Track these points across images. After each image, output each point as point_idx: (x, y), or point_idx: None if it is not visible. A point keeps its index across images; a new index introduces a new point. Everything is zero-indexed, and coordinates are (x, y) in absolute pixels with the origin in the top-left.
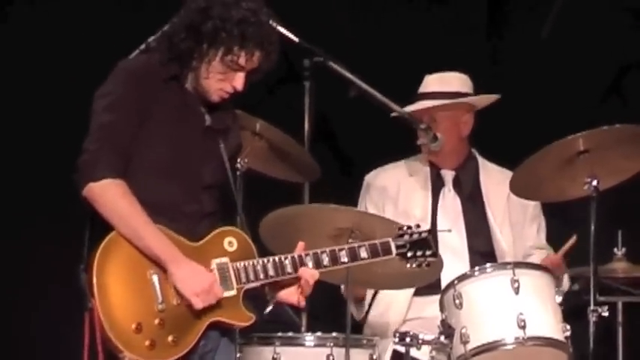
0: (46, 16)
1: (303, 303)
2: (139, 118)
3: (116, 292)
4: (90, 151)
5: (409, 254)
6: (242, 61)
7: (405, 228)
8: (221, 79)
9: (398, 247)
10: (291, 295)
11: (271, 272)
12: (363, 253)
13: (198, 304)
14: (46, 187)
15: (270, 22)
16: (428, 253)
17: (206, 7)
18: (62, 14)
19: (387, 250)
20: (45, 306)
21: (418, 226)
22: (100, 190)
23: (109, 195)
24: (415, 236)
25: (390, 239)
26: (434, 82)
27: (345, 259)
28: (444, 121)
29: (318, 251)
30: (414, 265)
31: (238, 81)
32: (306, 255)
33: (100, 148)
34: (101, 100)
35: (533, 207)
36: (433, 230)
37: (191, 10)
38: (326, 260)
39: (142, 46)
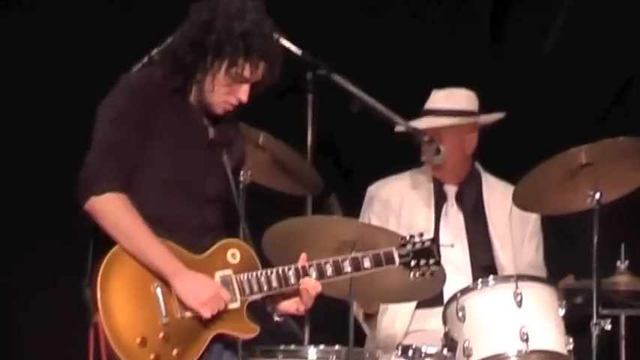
0: (48, 18)
1: (302, 310)
2: (141, 133)
3: (120, 307)
4: (92, 165)
5: (412, 263)
6: (247, 73)
7: (408, 237)
8: (226, 92)
9: (401, 256)
10: (290, 305)
11: (275, 284)
12: (367, 263)
13: (207, 312)
14: (52, 196)
15: (274, 33)
16: (431, 262)
17: (210, 20)
18: (63, 15)
19: (390, 260)
20: (49, 322)
21: (421, 234)
22: (102, 204)
23: (111, 209)
24: (418, 245)
25: (394, 248)
26: (441, 98)
27: (349, 269)
28: (449, 139)
29: (322, 262)
30: (417, 275)
31: (243, 93)
32: (310, 266)
33: (102, 162)
34: (104, 115)
35: (533, 223)
36: (436, 242)
37: (195, 24)
38: (329, 271)
39: (145, 59)
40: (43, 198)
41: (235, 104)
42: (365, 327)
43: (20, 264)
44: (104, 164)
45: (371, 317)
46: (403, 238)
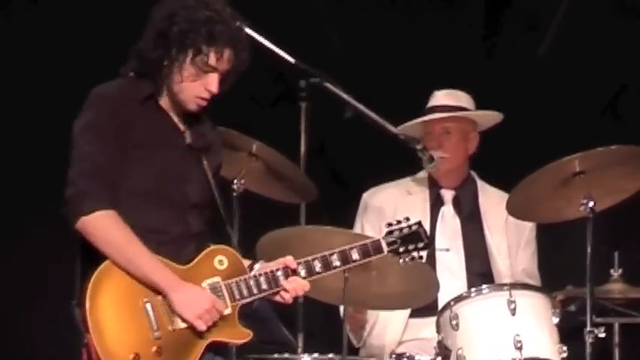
0: (48, 15)
1: (289, 299)
2: (119, 145)
3: (111, 325)
4: (76, 183)
5: (401, 249)
6: (212, 60)
7: (394, 223)
8: (193, 80)
9: (389, 244)
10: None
11: (264, 286)
12: (355, 255)
13: (202, 325)
14: (48, 206)
15: (237, 21)
16: (420, 245)
17: (171, 14)
18: (64, 13)
19: (378, 249)
20: (42, 343)
21: (408, 219)
22: (93, 223)
23: (103, 227)
24: (406, 230)
25: (381, 238)
26: (444, 96)
27: (337, 263)
28: (457, 133)
29: (310, 258)
30: (406, 260)
31: (212, 82)
32: (298, 264)
33: (86, 179)
34: (80, 130)
35: (529, 231)
36: (431, 248)
37: (156, 20)
38: (318, 267)
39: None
40: (38, 209)
41: (207, 97)
42: (352, 338)
43: (11, 283)
44: (89, 182)
45: (360, 329)
46: (389, 224)
